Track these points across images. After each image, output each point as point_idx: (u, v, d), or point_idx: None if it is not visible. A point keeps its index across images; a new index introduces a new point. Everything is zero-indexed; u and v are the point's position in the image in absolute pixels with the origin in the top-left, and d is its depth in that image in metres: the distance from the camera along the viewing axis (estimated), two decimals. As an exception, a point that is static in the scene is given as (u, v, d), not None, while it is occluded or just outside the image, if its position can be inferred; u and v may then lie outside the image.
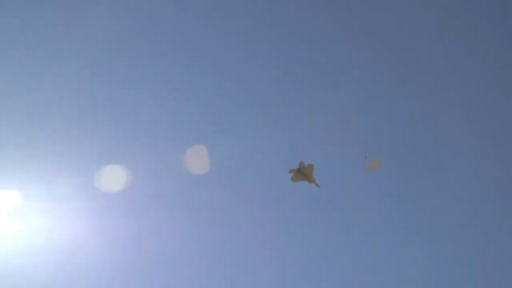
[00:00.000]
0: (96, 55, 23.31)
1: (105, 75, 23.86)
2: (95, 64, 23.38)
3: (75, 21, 23.03)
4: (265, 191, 23.86)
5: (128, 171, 22.09)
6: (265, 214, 24.36)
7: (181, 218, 24.08)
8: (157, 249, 23.96)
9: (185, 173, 22.27)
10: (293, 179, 17.86)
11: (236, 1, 27.00)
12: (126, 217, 23.37)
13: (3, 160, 22.34)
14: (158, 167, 23.07)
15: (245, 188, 24.30)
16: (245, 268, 24.92)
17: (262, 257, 24.99)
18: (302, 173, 17.95)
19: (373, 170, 21.07)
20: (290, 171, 17.66)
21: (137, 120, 24.09)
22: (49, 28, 23.23)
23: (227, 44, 26.46)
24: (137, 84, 24.01)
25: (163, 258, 24.13)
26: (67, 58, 22.88)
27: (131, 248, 23.53)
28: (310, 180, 18.02)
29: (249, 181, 24.40)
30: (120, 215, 23.17)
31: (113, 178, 22.04)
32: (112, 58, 23.84)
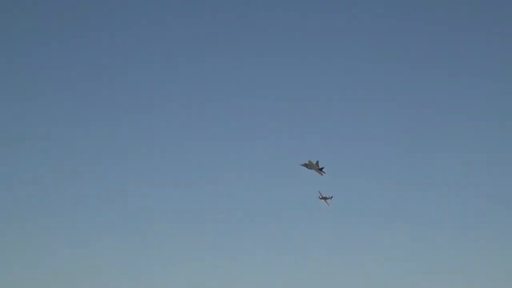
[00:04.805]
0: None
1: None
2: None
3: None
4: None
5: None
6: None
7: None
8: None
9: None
10: (308, 166, 77.05)
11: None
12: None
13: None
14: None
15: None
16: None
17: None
18: (310, 165, 75.33)
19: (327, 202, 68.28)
20: (303, 164, 76.08)
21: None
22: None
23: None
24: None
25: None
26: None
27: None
28: (316, 170, 75.90)
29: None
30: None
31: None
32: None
